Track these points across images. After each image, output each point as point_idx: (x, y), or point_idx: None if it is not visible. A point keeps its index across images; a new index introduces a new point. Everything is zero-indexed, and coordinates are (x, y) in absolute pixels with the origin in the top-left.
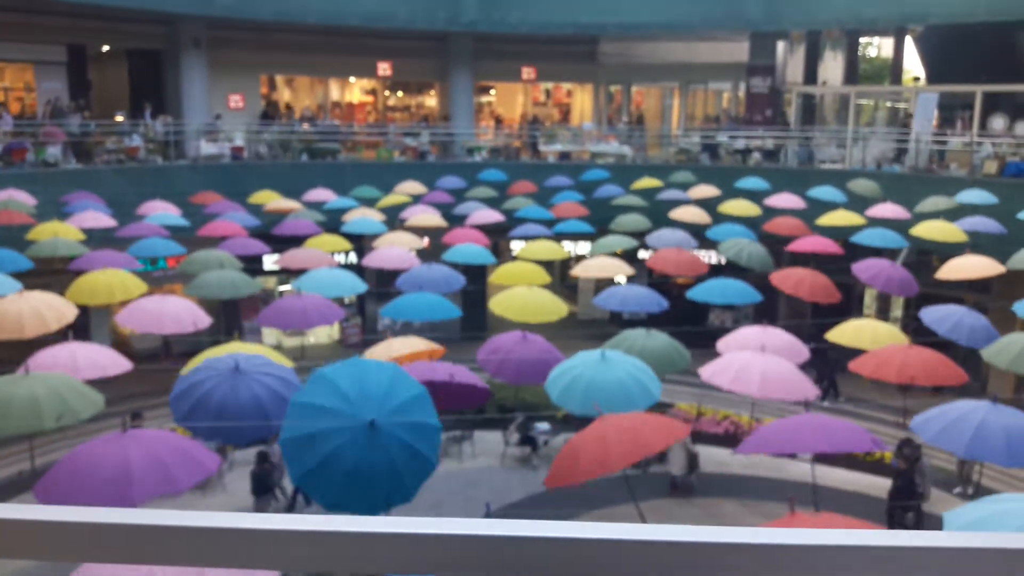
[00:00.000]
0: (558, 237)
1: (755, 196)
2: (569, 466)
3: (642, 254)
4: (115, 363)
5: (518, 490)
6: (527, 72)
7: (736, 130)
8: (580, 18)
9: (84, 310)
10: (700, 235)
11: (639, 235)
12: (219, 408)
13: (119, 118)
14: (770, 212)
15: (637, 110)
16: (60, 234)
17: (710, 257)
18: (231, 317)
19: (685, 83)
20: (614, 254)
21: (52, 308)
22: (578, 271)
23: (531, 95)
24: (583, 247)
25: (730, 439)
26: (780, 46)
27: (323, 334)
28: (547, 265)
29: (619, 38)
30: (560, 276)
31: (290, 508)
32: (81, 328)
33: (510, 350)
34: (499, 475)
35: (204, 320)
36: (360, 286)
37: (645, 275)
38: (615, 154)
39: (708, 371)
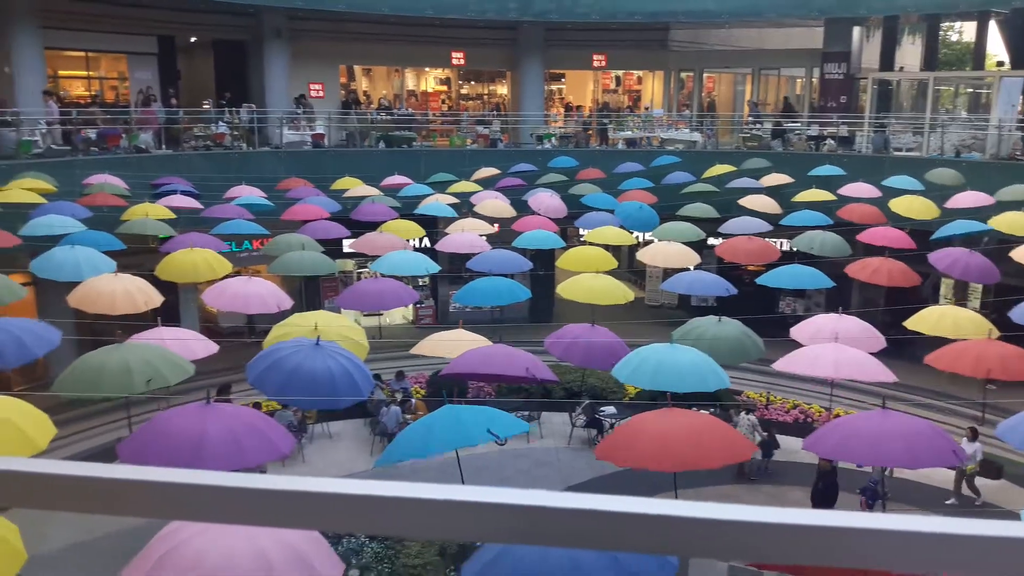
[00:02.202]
0: (624, 225)
1: (829, 184)
2: (624, 446)
3: (711, 242)
4: (204, 347)
5: (584, 471)
6: (597, 60)
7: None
8: (650, 6)
9: (173, 289)
10: (772, 223)
11: (708, 223)
12: (292, 372)
13: (205, 106)
14: (844, 200)
15: (708, 96)
16: (151, 215)
17: (781, 245)
18: (312, 298)
19: (757, 69)
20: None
21: (142, 291)
22: (644, 257)
23: (601, 82)
24: (650, 235)
25: (800, 428)
26: (856, 31)
27: (398, 316)
28: (615, 253)
29: (691, 25)
30: (627, 262)
31: None
32: (171, 306)
33: (578, 337)
34: (565, 456)
35: (287, 302)
36: (433, 266)
37: (714, 263)
38: (685, 141)
39: (783, 363)
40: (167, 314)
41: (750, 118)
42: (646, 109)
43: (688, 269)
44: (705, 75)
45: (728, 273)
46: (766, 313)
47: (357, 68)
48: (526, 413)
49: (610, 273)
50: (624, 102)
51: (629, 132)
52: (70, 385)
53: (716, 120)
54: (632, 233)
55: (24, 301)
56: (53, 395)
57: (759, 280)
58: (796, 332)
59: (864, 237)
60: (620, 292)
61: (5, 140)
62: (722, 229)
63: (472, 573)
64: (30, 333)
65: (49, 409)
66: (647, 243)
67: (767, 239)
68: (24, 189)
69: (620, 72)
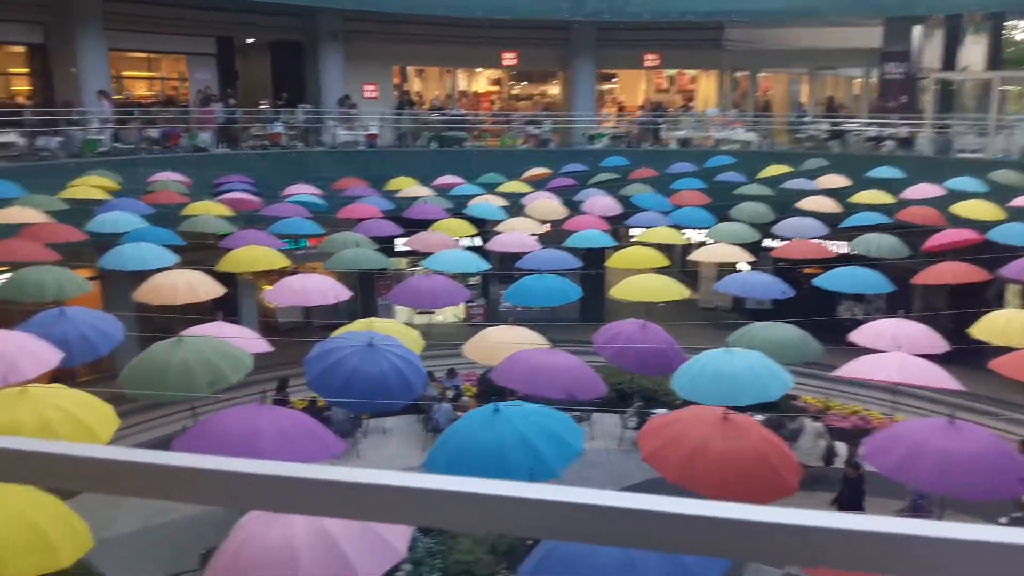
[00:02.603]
0: (676, 226)
1: (888, 185)
2: (669, 447)
3: (766, 243)
4: (258, 345)
5: (635, 473)
6: (650, 59)
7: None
8: (705, 5)
9: (232, 283)
10: (830, 225)
11: (762, 224)
12: (349, 376)
13: (263, 106)
14: (905, 203)
15: (763, 96)
16: (211, 213)
17: (838, 248)
18: (367, 294)
19: (814, 69)
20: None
21: (204, 283)
22: (698, 256)
23: (654, 82)
24: (703, 236)
25: (859, 434)
26: (917, 30)
27: (450, 313)
28: (667, 252)
29: (746, 24)
30: (680, 262)
31: None
32: (230, 300)
33: (628, 338)
34: (616, 458)
35: (344, 293)
36: (483, 264)
37: (769, 264)
38: (740, 141)
39: (844, 370)
40: (226, 308)
41: (806, 118)
42: (687, 106)
43: (741, 267)
44: (760, 75)
45: (784, 275)
46: (825, 317)
47: (410, 69)
48: (576, 413)
49: (662, 273)
50: (677, 102)
51: (682, 132)
52: (134, 381)
53: (771, 120)
54: (684, 233)
55: (89, 296)
56: (116, 388)
57: (816, 281)
58: (856, 336)
59: (927, 245)
60: (675, 288)
61: (72, 139)
62: (776, 230)
63: (527, 572)
64: (95, 330)
65: (112, 401)
66: (700, 244)
67: (823, 242)
68: (90, 186)
69: (673, 71)
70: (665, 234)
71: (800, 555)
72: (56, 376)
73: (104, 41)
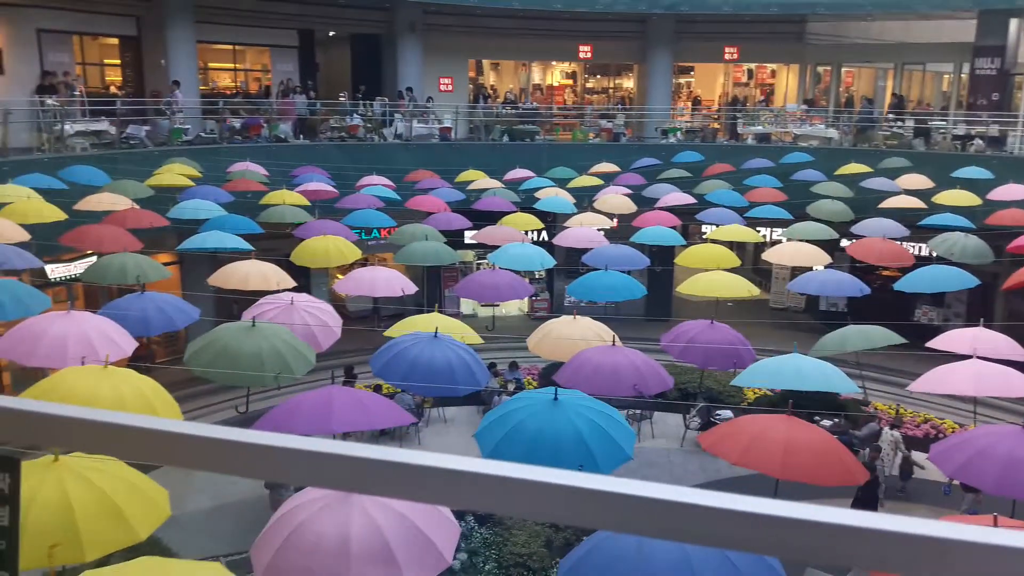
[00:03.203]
0: (752, 223)
1: (974, 186)
2: (731, 438)
3: (843, 243)
4: (326, 337)
5: (696, 474)
6: (729, 52)
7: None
8: None
9: (305, 274)
10: (910, 226)
11: (840, 224)
12: (414, 362)
13: (341, 98)
14: (991, 204)
15: (846, 92)
16: (288, 202)
17: (919, 249)
18: (433, 286)
19: (900, 64)
20: (814, 243)
21: (276, 272)
22: (771, 256)
23: (732, 75)
24: (778, 234)
25: (931, 443)
26: (1013, 24)
27: (514, 307)
28: (739, 250)
29: (830, 17)
30: (752, 261)
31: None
32: (302, 290)
33: (695, 337)
34: (678, 457)
35: (410, 287)
36: (549, 260)
37: (846, 265)
38: (820, 137)
39: (920, 384)
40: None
41: (889, 114)
42: (766, 100)
43: (816, 267)
44: (843, 69)
45: (860, 276)
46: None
47: (485, 62)
48: (637, 412)
49: (733, 272)
50: (756, 96)
51: (760, 127)
52: (207, 360)
53: (853, 116)
54: (759, 231)
55: (169, 281)
56: (187, 368)
57: (896, 286)
58: (935, 344)
59: (1013, 245)
60: (744, 286)
61: (159, 128)
62: (855, 230)
63: (568, 565)
64: (173, 307)
65: (182, 382)
66: (775, 243)
67: (903, 243)
68: (174, 174)
69: (752, 65)
70: (739, 232)
71: (862, 557)
72: (134, 357)
73: (192, 33)
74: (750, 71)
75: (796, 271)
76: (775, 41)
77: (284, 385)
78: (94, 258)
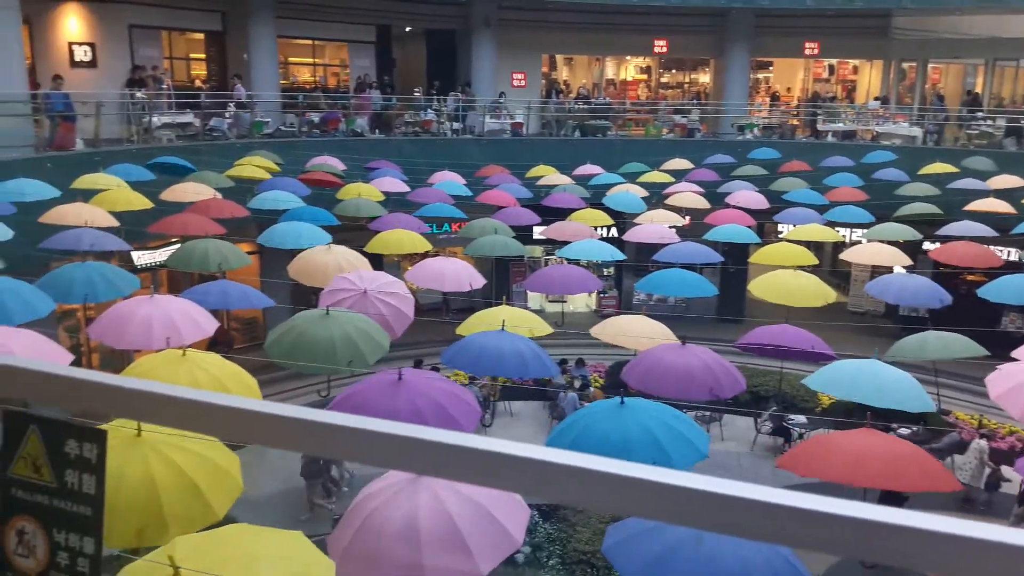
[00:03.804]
0: (831, 224)
1: None
2: (810, 457)
3: (927, 246)
4: (400, 323)
5: (767, 479)
6: (810, 47)
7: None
8: None
9: (379, 265)
10: (1001, 230)
11: (924, 225)
12: (482, 348)
13: (416, 93)
14: None
15: (932, 89)
16: (363, 195)
17: (1008, 254)
18: (502, 280)
19: (991, 60)
20: (894, 244)
21: (351, 264)
22: (849, 256)
23: (812, 71)
24: (859, 235)
25: (1017, 456)
26: None
27: (581, 303)
28: (817, 252)
29: (916, 11)
30: (831, 263)
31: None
32: None
33: (769, 340)
34: (747, 461)
35: (479, 280)
36: (618, 254)
37: (928, 268)
38: (903, 135)
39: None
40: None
41: (979, 113)
42: (847, 97)
43: (896, 270)
44: (930, 65)
45: (944, 281)
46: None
47: (559, 57)
48: (707, 414)
49: (810, 272)
50: (837, 92)
51: (840, 124)
52: (283, 350)
53: (940, 114)
54: (839, 231)
55: (249, 269)
56: (266, 356)
57: (981, 292)
58: (1019, 353)
59: None
60: (819, 292)
61: (241, 121)
62: (941, 232)
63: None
64: (252, 292)
65: (261, 368)
66: (855, 244)
67: (992, 247)
68: (254, 166)
69: (834, 61)
70: (818, 231)
71: (924, 559)
72: (215, 339)
73: (274, 28)
74: (831, 67)
75: (876, 274)
76: (858, 36)
77: (357, 372)
78: (178, 245)
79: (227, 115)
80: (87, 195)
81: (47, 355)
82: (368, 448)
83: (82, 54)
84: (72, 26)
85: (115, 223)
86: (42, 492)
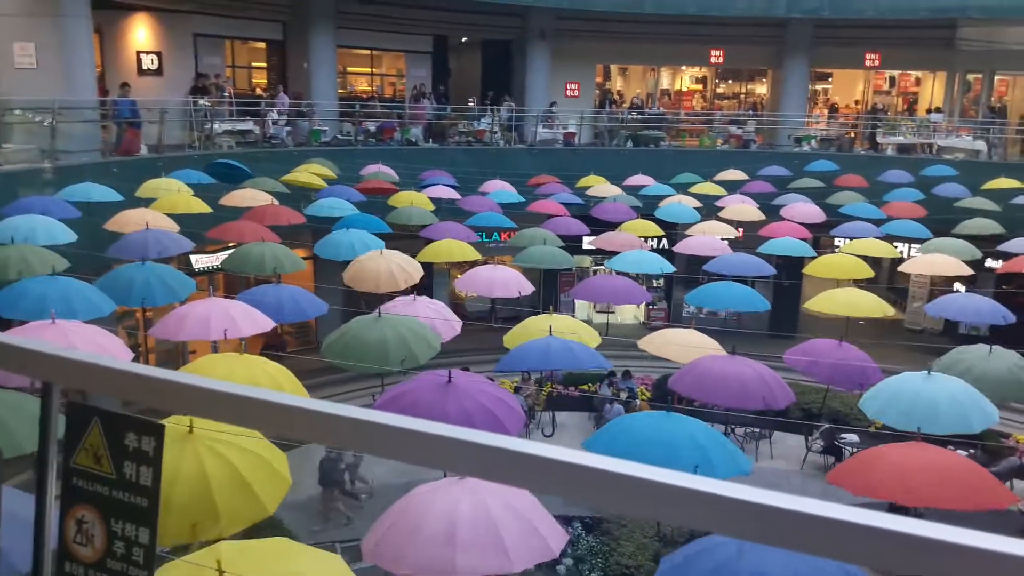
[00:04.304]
0: (888, 238)
1: None
2: (860, 473)
3: (989, 264)
4: (448, 328)
5: (819, 498)
6: (870, 59)
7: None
8: (938, 1)
9: (428, 273)
10: None
11: (986, 240)
12: (534, 350)
13: (471, 103)
14: None
15: (999, 101)
16: (415, 204)
17: None
18: (550, 289)
19: None
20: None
21: (403, 270)
22: (907, 268)
23: (873, 82)
24: (916, 251)
25: None
26: None
27: (629, 315)
28: (874, 267)
29: (983, 21)
30: (888, 279)
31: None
32: (425, 289)
33: (822, 354)
34: (796, 480)
35: (527, 288)
36: (667, 266)
37: (990, 284)
38: (967, 149)
39: None
40: (421, 292)
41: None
42: (909, 109)
43: (957, 283)
44: (996, 77)
45: (1008, 300)
46: None
47: (613, 67)
48: (755, 430)
49: (866, 287)
50: (898, 105)
51: (901, 137)
52: (337, 351)
53: (1006, 128)
54: (896, 247)
55: (303, 273)
56: (319, 358)
57: None
58: None
59: None
60: (876, 305)
61: (300, 129)
62: (1003, 247)
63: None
64: (305, 298)
65: (315, 371)
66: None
67: None
68: (310, 173)
69: (895, 72)
70: (874, 246)
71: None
72: (268, 343)
73: (333, 38)
74: (892, 78)
75: (934, 291)
76: (921, 47)
77: (408, 370)
78: (233, 249)
79: (271, 122)
80: (149, 201)
81: (108, 350)
82: (415, 448)
83: (149, 62)
84: (140, 35)
85: (175, 227)
86: (102, 482)
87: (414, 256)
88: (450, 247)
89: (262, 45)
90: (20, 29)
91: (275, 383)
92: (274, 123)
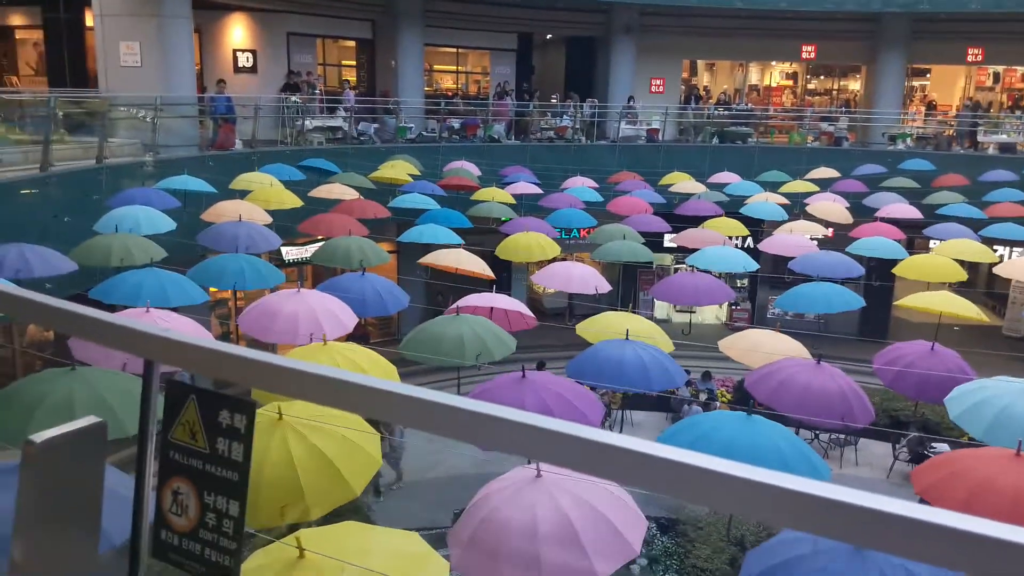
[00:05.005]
0: (987, 240)
1: None
2: (950, 484)
3: None
4: (521, 319)
5: None
6: (973, 54)
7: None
8: None
9: (507, 268)
10: None
11: None
12: (605, 361)
13: (554, 100)
14: None
15: None
16: (496, 199)
17: None
18: (628, 287)
19: None
20: None
21: (480, 265)
22: (1003, 270)
23: (975, 79)
24: (1020, 253)
25: None
26: None
27: (711, 314)
28: (971, 271)
29: None
30: (986, 284)
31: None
32: (504, 283)
33: (913, 362)
34: (881, 489)
35: (605, 286)
36: (751, 263)
37: None
38: None
39: None
40: (500, 286)
41: None
42: (1015, 107)
43: None
44: None
45: None
46: None
47: (700, 63)
48: (841, 437)
49: (961, 292)
50: (1002, 102)
51: (1004, 136)
52: (414, 346)
53: None
54: (996, 251)
55: (387, 266)
56: (397, 351)
57: None
58: None
59: None
60: (971, 308)
61: (387, 126)
62: None
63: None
64: (388, 293)
65: (394, 364)
66: None
67: None
68: (397, 170)
69: (1000, 68)
70: (971, 248)
71: None
72: (351, 334)
73: (421, 36)
74: (996, 74)
75: None
76: None
77: (483, 364)
78: (322, 242)
79: (341, 119)
80: (243, 193)
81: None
82: (494, 434)
83: (244, 60)
84: (237, 34)
85: (268, 219)
86: (196, 457)
87: (493, 250)
88: (528, 241)
89: (352, 43)
90: (126, 29)
91: (357, 367)
92: (344, 120)
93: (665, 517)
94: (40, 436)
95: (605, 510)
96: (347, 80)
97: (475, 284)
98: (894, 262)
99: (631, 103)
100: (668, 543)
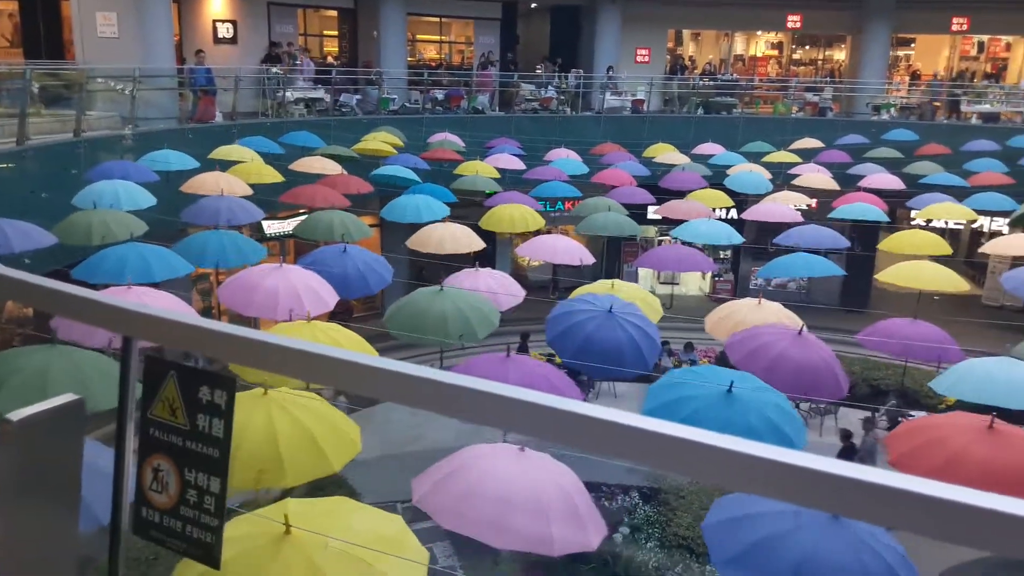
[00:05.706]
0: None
1: None
2: (925, 452)
3: None
4: (509, 300)
5: None
6: (958, 23)
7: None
8: None
9: (491, 240)
10: None
11: None
12: (587, 340)
13: (538, 70)
14: None
15: None
16: (480, 172)
17: None
18: (612, 259)
19: None
20: None
21: (467, 236)
22: (989, 248)
23: (959, 48)
24: (1000, 224)
25: None
26: None
27: (694, 286)
28: (952, 241)
29: None
30: (967, 252)
31: None
32: (488, 256)
33: (895, 335)
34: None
35: (589, 257)
36: (736, 236)
37: None
38: None
39: None
40: (484, 259)
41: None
42: (1017, 85)
43: None
44: None
45: None
46: None
47: (685, 32)
48: (820, 406)
49: (944, 262)
50: (986, 71)
51: (987, 106)
52: (397, 322)
53: None
54: (976, 222)
55: (369, 240)
56: (381, 326)
57: None
58: None
59: None
60: (952, 279)
61: (369, 97)
62: None
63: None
64: (370, 269)
65: (376, 338)
66: (995, 234)
67: None
68: (379, 141)
69: (984, 37)
70: (952, 209)
71: None
72: (334, 310)
73: (404, 5)
74: (981, 43)
75: (1016, 265)
76: (1016, 9)
77: (468, 345)
78: (304, 216)
79: (323, 89)
80: (224, 165)
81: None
82: (472, 406)
83: (224, 31)
84: (216, 4)
85: (249, 192)
86: (176, 433)
87: (477, 223)
88: (512, 213)
89: (333, 13)
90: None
91: (338, 346)
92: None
93: (647, 486)
94: (17, 414)
95: (577, 499)
96: (303, 48)
97: (460, 259)
98: (876, 232)
99: (611, 73)
100: (650, 512)
